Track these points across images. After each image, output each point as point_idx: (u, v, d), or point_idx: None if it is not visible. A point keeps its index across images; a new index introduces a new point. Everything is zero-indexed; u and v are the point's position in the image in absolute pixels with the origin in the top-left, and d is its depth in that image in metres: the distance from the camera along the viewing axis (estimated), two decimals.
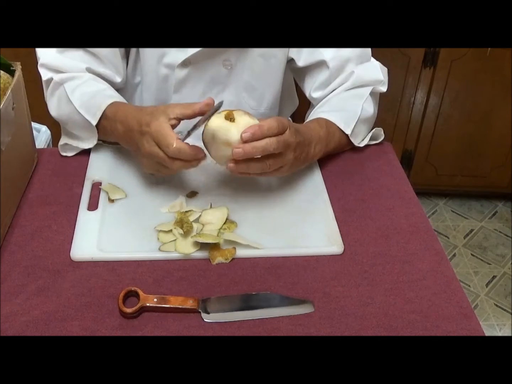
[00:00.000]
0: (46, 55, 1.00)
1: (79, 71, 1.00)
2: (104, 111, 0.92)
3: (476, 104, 2.00)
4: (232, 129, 0.80)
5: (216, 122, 0.81)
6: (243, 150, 0.79)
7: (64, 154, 1.00)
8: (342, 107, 1.01)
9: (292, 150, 0.84)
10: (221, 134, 0.80)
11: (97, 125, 0.94)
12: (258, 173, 0.84)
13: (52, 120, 1.06)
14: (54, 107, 1.01)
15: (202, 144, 0.84)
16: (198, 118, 0.83)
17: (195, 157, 0.82)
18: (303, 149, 0.88)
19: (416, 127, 2.08)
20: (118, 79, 1.05)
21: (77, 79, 0.99)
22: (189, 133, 0.82)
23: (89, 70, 1.01)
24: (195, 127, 0.82)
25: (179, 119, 0.85)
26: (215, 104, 0.83)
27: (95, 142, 0.97)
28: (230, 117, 0.81)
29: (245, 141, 0.78)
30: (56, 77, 0.99)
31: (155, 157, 0.83)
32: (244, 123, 0.80)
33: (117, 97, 0.97)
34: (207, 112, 0.82)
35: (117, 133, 0.92)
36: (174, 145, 0.80)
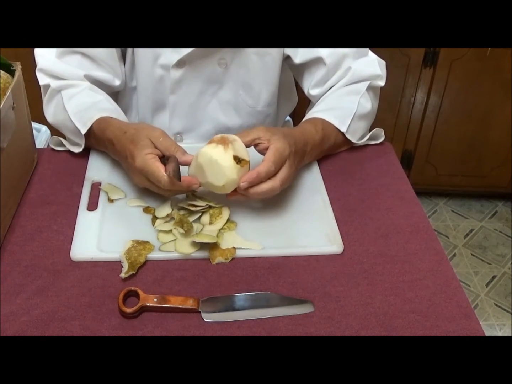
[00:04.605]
0: (44, 60, 1.01)
1: (77, 78, 1.01)
2: (92, 126, 0.92)
3: (476, 104, 2.00)
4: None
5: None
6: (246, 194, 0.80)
7: (52, 146, 1.02)
8: (338, 104, 1.01)
9: (294, 167, 0.86)
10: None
11: (88, 136, 0.94)
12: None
13: None
14: (51, 113, 1.03)
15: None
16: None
17: (188, 189, 0.83)
18: (299, 159, 0.89)
19: (416, 127, 2.08)
20: (117, 82, 1.06)
21: (75, 87, 1.00)
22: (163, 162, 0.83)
23: (87, 77, 1.02)
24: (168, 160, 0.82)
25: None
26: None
27: (81, 149, 0.97)
28: (238, 160, 0.80)
29: (243, 189, 0.80)
30: (54, 84, 0.99)
31: (148, 187, 0.85)
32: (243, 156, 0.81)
33: (111, 110, 0.97)
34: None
35: (107, 149, 0.94)
36: (166, 180, 0.80)
